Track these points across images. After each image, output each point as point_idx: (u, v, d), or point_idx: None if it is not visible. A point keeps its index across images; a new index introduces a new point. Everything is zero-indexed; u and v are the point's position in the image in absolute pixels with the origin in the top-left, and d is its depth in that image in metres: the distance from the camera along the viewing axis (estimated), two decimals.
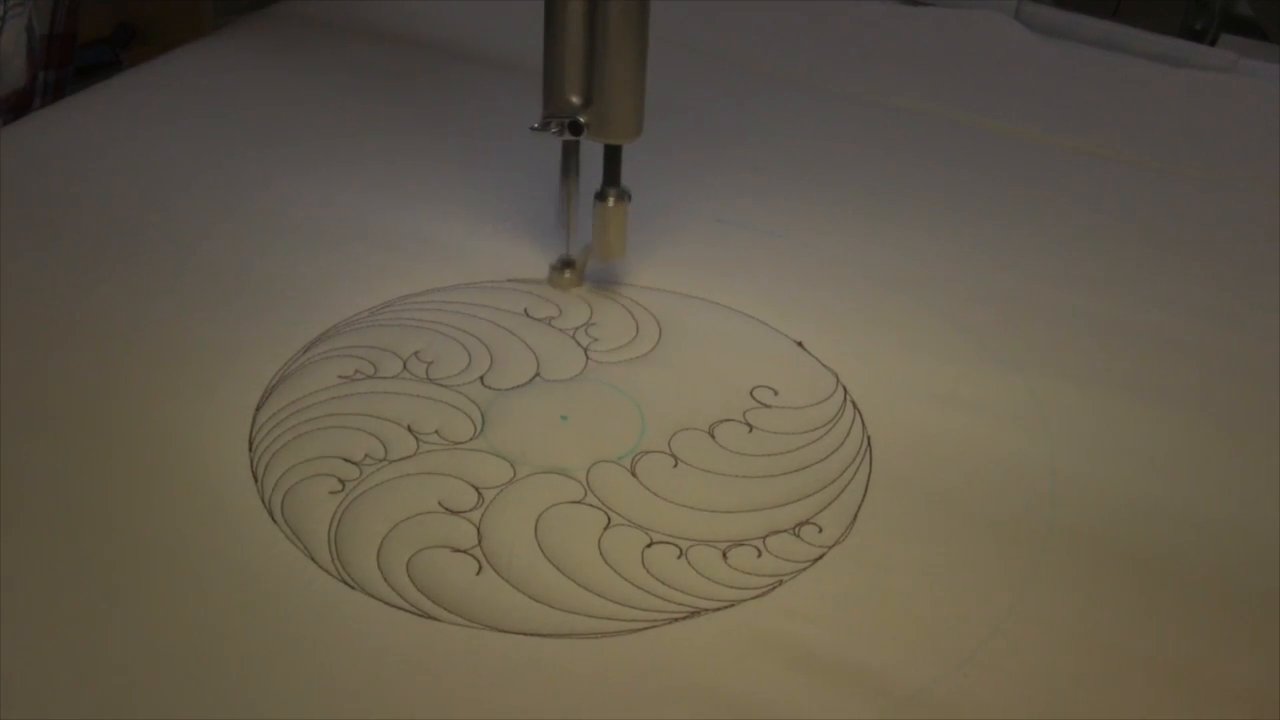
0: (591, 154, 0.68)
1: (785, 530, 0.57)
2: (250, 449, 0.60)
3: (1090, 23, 1.10)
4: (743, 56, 1.00)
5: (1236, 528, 0.60)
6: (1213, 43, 1.15)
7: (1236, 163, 0.91)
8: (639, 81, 0.65)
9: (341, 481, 0.58)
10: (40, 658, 0.49)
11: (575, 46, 0.64)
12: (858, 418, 0.64)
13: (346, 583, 0.53)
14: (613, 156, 0.68)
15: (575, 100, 0.66)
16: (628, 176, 0.68)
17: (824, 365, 0.68)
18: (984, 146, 0.92)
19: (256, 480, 0.58)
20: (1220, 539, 0.59)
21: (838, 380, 0.67)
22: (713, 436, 0.63)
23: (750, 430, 0.63)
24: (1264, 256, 0.80)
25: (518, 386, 0.65)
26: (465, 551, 0.55)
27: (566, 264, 0.72)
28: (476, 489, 0.58)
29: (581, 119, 0.66)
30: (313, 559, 0.54)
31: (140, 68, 0.94)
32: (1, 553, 0.53)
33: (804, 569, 0.56)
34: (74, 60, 0.95)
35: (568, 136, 0.66)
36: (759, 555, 0.56)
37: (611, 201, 0.68)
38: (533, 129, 0.66)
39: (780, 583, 0.55)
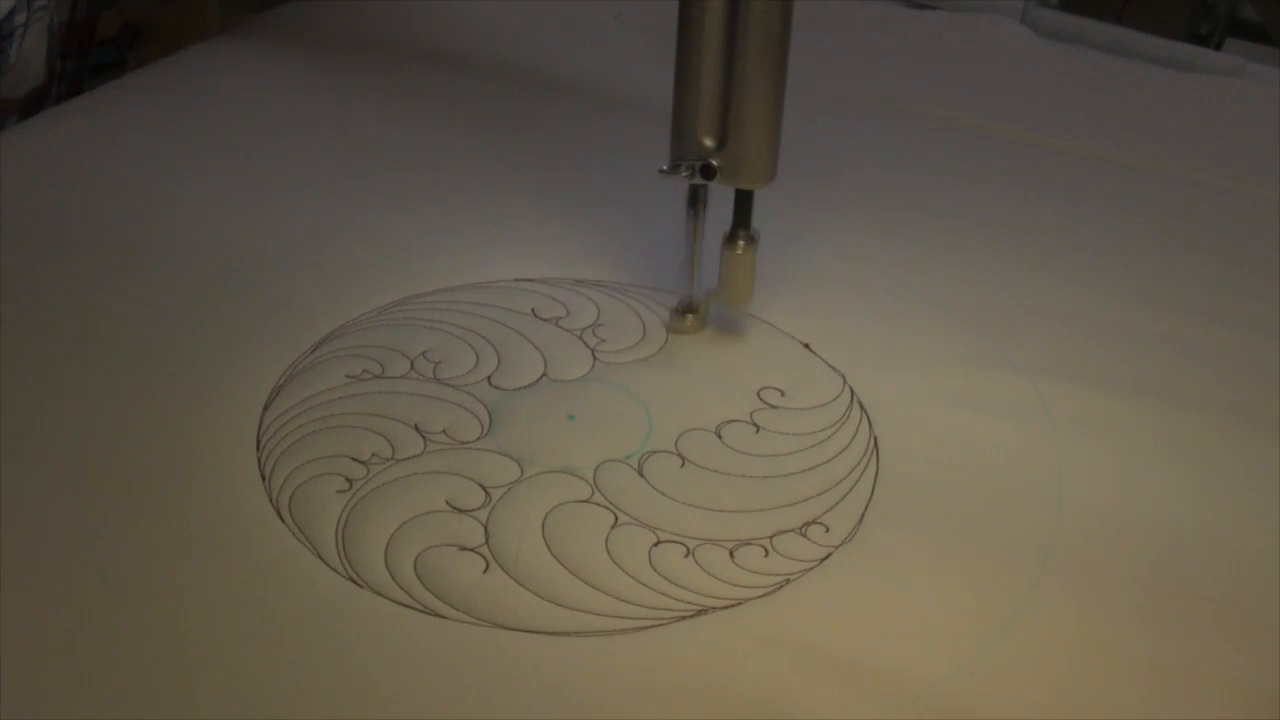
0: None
1: (792, 530, 0.58)
2: (258, 448, 0.60)
3: (1096, 27, 1.10)
4: None
5: (1243, 529, 0.60)
6: (1218, 47, 1.15)
7: (1241, 166, 0.91)
8: (776, 122, 0.63)
9: (349, 480, 0.58)
10: (47, 658, 0.49)
11: (710, 86, 0.61)
12: (864, 419, 0.64)
13: (354, 580, 0.53)
14: (744, 200, 0.65)
15: (708, 143, 0.63)
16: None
17: (831, 366, 0.68)
18: (989, 150, 0.92)
19: (264, 479, 0.58)
20: (1231, 540, 0.59)
21: (844, 381, 0.67)
22: (720, 437, 0.63)
23: (757, 431, 0.63)
24: (1269, 259, 0.80)
25: (525, 386, 0.65)
26: (473, 550, 0.55)
27: (689, 309, 0.69)
28: (484, 488, 0.58)
29: (714, 162, 0.63)
30: (320, 557, 0.54)
31: (148, 69, 0.94)
32: (9, 552, 0.53)
33: (811, 569, 0.56)
34: (92, 50, 0.96)
35: (699, 180, 0.63)
36: (766, 555, 0.56)
37: (740, 247, 0.66)
38: (661, 172, 0.63)
39: (787, 582, 0.55)
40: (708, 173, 0.63)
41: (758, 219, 0.66)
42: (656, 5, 0.70)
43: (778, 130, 0.63)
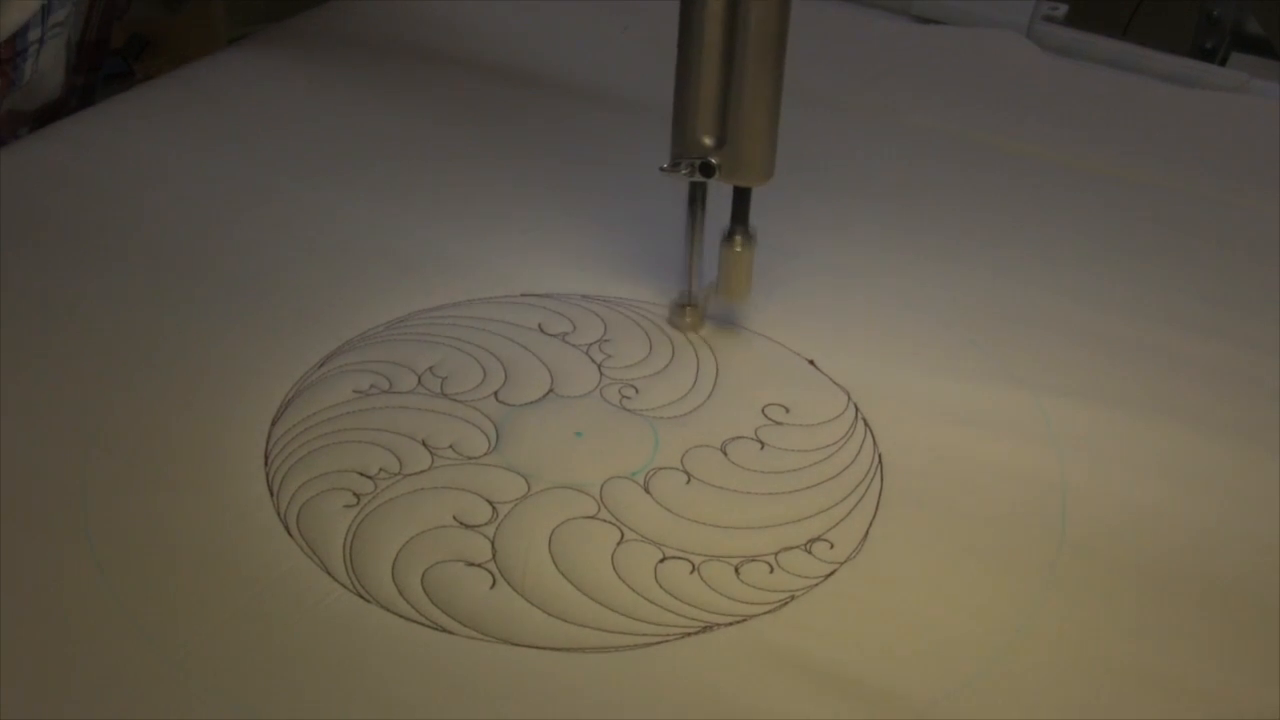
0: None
1: (797, 546, 0.58)
2: (266, 463, 0.60)
3: (1101, 42, 1.10)
4: None
5: (1248, 545, 0.60)
6: (1223, 61, 1.15)
7: (1246, 182, 0.91)
8: (773, 122, 0.64)
9: (356, 495, 0.58)
10: (53, 669, 0.50)
11: (709, 86, 0.63)
12: (869, 435, 0.65)
13: (361, 595, 0.54)
14: (742, 198, 0.66)
15: (708, 141, 0.64)
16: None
17: (835, 383, 0.68)
18: (994, 164, 0.92)
19: (272, 494, 0.58)
20: (1232, 556, 0.59)
21: (849, 398, 0.67)
22: (725, 454, 0.63)
23: (762, 447, 0.64)
24: (1273, 275, 0.80)
25: (532, 402, 0.65)
26: (480, 565, 0.55)
27: (688, 303, 0.70)
28: (491, 503, 0.59)
29: (713, 160, 0.64)
30: (328, 572, 0.55)
31: (157, 81, 0.94)
32: (15, 563, 0.54)
33: (816, 585, 0.56)
34: (103, 66, 0.96)
35: (698, 178, 0.65)
36: (771, 571, 0.56)
37: (739, 244, 0.67)
38: (662, 170, 0.65)
39: (792, 598, 0.55)
40: (707, 171, 0.64)
41: (762, 227, 0.66)
42: (660, 8, 0.71)
43: (775, 129, 0.64)
